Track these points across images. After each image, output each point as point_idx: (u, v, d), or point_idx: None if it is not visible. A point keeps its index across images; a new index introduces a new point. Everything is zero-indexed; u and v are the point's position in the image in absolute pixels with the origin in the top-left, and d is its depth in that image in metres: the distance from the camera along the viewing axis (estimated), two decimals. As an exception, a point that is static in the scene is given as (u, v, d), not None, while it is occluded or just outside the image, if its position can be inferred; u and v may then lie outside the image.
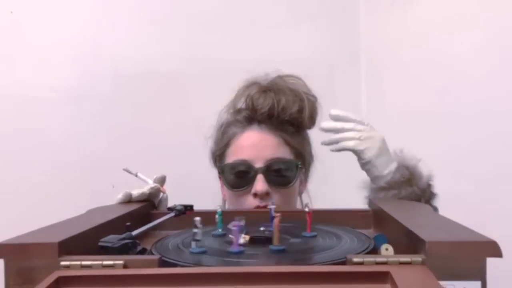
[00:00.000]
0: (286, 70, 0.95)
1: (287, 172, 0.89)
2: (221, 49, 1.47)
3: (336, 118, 0.83)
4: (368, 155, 0.80)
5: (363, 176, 0.84)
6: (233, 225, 0.50)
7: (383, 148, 0.81)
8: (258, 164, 0.87)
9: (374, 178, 0.81)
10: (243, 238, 0.53)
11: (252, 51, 1.46)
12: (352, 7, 1.58)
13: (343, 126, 0.82)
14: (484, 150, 1.12)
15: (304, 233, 0.58)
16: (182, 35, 1.46)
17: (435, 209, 0.78)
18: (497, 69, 1.10)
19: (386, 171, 0.80)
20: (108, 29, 1.42)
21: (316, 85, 0.95)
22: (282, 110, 0.90)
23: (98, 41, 1.41)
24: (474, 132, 1.15)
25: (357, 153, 0.81)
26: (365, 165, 0.81)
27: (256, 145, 0.89)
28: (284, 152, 0.90)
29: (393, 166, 0.80)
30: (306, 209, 0.59)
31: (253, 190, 0.86)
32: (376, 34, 1.53)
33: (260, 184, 0.85)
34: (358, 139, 0.80)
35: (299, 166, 0.91)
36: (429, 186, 0.79)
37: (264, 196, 0.86)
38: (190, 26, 1.47)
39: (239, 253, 0.50)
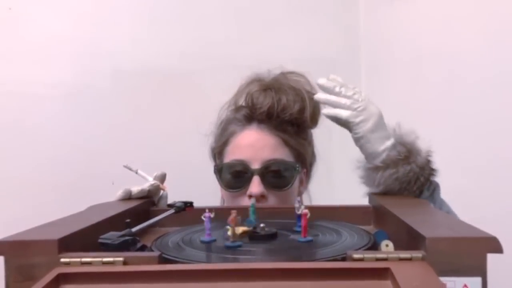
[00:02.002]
0: (286, 67, 0.94)
1: (285, 174, 0.86)
2: (221, 45, 1.46)
3: (327, 88, 0.75)
4: (363, 129, 0.72)
5: (359, 154, 0.77)
6: (204, 216, 0.54)
7: (380, 123, 0.73)
8: (255, 165, 0.85)
9: (368, 156, 0.74)
10: (236, 230, 0.52)
11: (252, 47, 1.45)
12: (352, 3, 1.58)
13: (341, 91, 0.73)
14: (485, 146, 1.12)
15: (299, 238, 0.54)
16: (181, 31, 1.46)
17: (436, 186, 0.74)
18: (498, 65, 1.10)
19: (381, 148, 0.73)
20: (107, 26, 1.42)
21: (316, 81, 0.94)
22: (282, 110, 0.88)
23: (97, 37, 1.41)
24: (474, 128, 1.15)
25: (350, 125, 0.73)
26: (359, 140, 0.74)
27: (254, 145, 0.87)
28: (283, 153, 0.88)
29: (389, 142, 0.73)
30: (299, 212, 0.55)
31: (248, 192, 0.84)
32: (376, 31, 1.53)
33: (255, 185, 0.84)
34: (355, 110, 0.72)
35: (297, 168, 0.88)
36: (428, 162, 0.74)
37: (259, 198, 0.83)
38: (190, 22, 1.47)
39: (209, 242, 0.53)
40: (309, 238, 0.53)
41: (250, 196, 0.84)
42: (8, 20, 1.35)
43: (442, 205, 0.74)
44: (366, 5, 1.56)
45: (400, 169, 0.71)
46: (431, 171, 0.74)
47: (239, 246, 0.51)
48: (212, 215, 0.54)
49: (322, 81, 0.75)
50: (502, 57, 1.09)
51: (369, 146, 0.73)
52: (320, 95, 0.76)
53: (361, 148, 0.75)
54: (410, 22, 1.40)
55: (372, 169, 0.73)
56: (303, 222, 0.53)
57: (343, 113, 0.72)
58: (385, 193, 0.72)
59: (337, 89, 0.74)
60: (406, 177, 0.71)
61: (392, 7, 1.46)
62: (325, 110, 0.75)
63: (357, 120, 0.72)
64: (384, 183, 0.72)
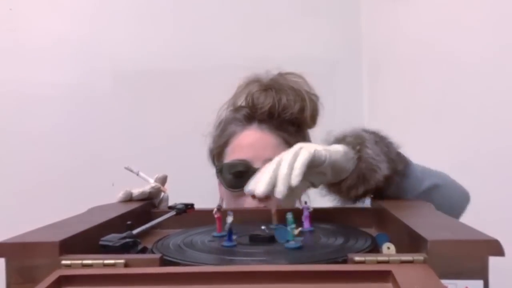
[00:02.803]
0: (286, 67, 0.94)
1: None
2: (222, 46, 1.47)
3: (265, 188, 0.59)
4: (323, 152, 0.62)
5: None
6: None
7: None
8: (258, 164, 0.84)
9: (340, 171, 0.66)
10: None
11: (253, 48, 1.46)
12: (353, 3, 1.58)
13: (273, 163, 0.60)
14: (486, 147, 1.12)
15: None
16: (181, 33, 1.46)
17: (406, 165, 0.70)
18: (500, 65, 1.10)
19: (343, 150, 0.66)
20: (108, 27, 1.42)
21: (317, 82, 0.94)
22: (283, 110, 0.88)
23: (97, 38, 1.41)
24: (476, 129, 1.15)
25: (315, 159, 0.60)
26: (329, 164, 0.63)
27: (255, 144, 0.87)
28: None
29: (336, 145, 0.67)
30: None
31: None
32: (378, 31, 1.53)
33: None
34: (300, 149, 0.60)
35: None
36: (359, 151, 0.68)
37: (263, 198, 0.83)
38: (190, 23, 1.47)
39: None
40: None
41: (254, 196, 0.84)
42: (8, 21, 1.36)
43: (417, 174, 0.72)
44: (367, 5, 1.56)
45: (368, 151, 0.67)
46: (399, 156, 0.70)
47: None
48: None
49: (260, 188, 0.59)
50: (504, 56, 1.09)
51: (339, 158, 0.65)
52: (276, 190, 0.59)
53: (333, 170, 0.65)
54: (411, 22, 1.40)
55: (364, 166, 0.67)
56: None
57: (304, 155, 0.59)
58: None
59: (273, 167, 0.60)
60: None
61: (393, 8, 1.46)
62: (293, 180, 0.58)
63: (313, 149, 0.61)
64: (381, 158, 0.68)
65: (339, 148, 0.66)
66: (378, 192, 0.70)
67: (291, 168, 0.58)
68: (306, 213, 0.61)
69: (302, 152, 0.59)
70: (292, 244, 0.51)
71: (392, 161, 0.69)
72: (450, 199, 0.71)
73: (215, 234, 0.58)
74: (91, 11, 1.41)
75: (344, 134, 0.70)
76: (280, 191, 0.57)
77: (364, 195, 0.70)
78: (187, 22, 1.47)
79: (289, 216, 0.52)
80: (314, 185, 0.67)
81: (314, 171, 0.62)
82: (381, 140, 0.71)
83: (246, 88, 0.93)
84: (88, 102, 1.40)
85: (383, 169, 0.68)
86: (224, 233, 0.55)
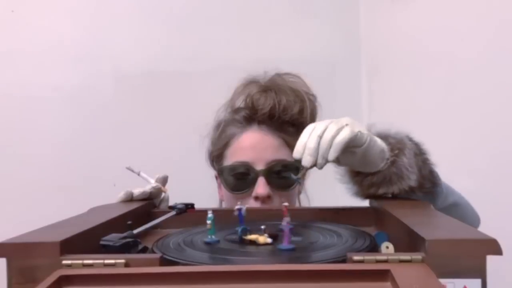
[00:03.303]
0: (286, 68, 0.94)
1: (289, 174, 0.85)
2: (222, 47, 1.47)
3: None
4: (366, 133, 0.64)
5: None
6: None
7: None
8: (259, 166, 0.85)
9: (370, 163, 0.68)
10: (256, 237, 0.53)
11: (253, 49, 1.46)
12: (352, 5, 1.58)
13: (317, 132, 0.63)
14: (486, 147, 1.12)
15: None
16: (182, 34, 1.46)
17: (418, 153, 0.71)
18: (499, 65, 1.10)
19: (382, 146, 0.67)
20: (109, 29, 1.42)
21: (316, 83, 0.94)
22: (283, 111, 0.87)
23: (99, 40, 1.42)
24: (475, 129, 1.15)
25: (355, 140, 0.63)
26: (364, 149, 0.65)
27: (256, 146, 0.87)
28: (285, 154, 0.87)
29: (378, 139, 0.67)
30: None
31: (254, 193, 0.84)
32: (377, 32, 1.53)
33: (261, 187, 0.83)
34: (345, 126, 0.62)
35: (301, 168, 0.88)
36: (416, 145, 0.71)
37: (266, 199, 0.84)
38: (191, 25, 1.47)
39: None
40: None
41: (257, 198, 0.84)
42: (10, 22, 1.36)
43: (447, 189, 0.75)
44: (366, 7, 1.57)
45: (403, 158, 0.69)
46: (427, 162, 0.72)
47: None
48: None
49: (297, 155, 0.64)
50: (503, 58, 1.10)
51: (376, 148, 0.67)
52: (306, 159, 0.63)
53: (366, 156, 0.66)
54: (410, 24, 1.40)
55: (389, 165, 0.68)
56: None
57: (345, 133, 0.62)
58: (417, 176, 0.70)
59: (315, 136, 0.63)
60: (411, 160, 0.69)
61: (392, 9, 1.46)
62: (330, 155, 0.62)
63: (358, 129, 0.63)
64: (413, 168, 0.69)
65: (380, 142, 0.68)
66: (395, 197, 0.72)
67: (330, 143, 0.61)
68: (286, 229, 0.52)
69: (345, 130, 0.62)
70: (285, 246, 0.51)
71: (423, 177, 0.71)
72: (465, 220, 0.72)
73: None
74: (93, 13, 1.42)
75: (388, 134, 0.72)
76: (320, 163, 0.62)
77: (380, 196, 0.72)
78: (187, 25, 1.47)
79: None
80: (339, 162, 0.68)
81: (348, 149, 0.64)
82: (420, 154, 0.72)
83: (245, 89, 0.92)
84: (90, 104, 1.41)
85: (411, 181, 0.69)
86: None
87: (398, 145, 0.70)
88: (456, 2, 1.24)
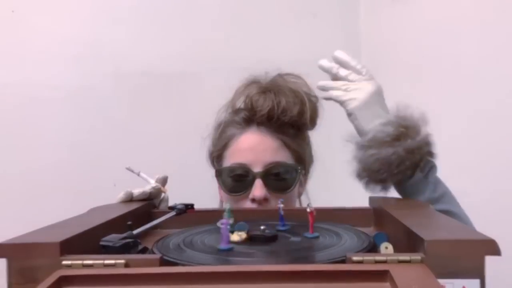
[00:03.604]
0: (286, 68, 0.94)
1: (287, 177, 0.86)
2: (222, 47, 1.47)
3: (337, 60, 0.80)
4: (350, 106, 0.77)
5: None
6: (221, 223, 0.52)
7: (371, 100, 0.76)
8: (257, 168, 0.85)
9: (359, 133, 0.78)
10: (239, 236, 0.54)
11: (252, 50, 1.46)
12: (352, 5, 1.58)
13: (338, 72, 0.80)
14: (485, 148, 1.12)
15: (306, 234, 0.57)
16: (182, 34, 1.46)
17: (432, 167, 0.75)
18: (499, 66, 1.10)
19: (369, 127, 0.75)
20: (109, 28, 1.42)
21: (316, 83, 0.94)
22: (282, 112, 0.87)
23: (98, 40, 1.42)
24: (474, 130, 1.15)
25: (340, 103, 0.78)
26: (349, 116, 0.78)
27: (254, 148, 0.87)
28: (283, 156, 0.87)
29: (378, 121, 0.75)
30: (308, 209, 0.57)
31: (251, 195, 0.84)
32: (377, 32, 1.53)
33: (258, 189, 0.83)
34: (345, 90, 0.77)
35: (299, 170, 0.88)
36: (422, 145, 0.74)
37: (262, 201, 0.83)
38: (191, 24, 1.47)
39: (228, 250, 0.51)
40: (316, 234, 0.57)
41: (253, 200, 0.84)
42: (10, 22, 1.36)
43: (436, 186, 0.75)
44: (366, 7, 1.57)
45: (383, 151, 0.72)
46: (426, 155, 0.74)
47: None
48: (230, 221, 0.54)
49: (322, 61, 0.82)
50: (504, 58, 1.09)
51: (357, 123, 0.77)
52: (319, 84, 0.82)
53: (353, 124, 0.79)
54: (410, 24, 1.40)
55: (357, 146, 0.75)
56: (310, 219, 0.57)
57: (333, 93, 0.79)
58: (365, 171, 0.74)
59: (334, 71, 0.80)
60: (387, 159, 0.72)
61: (393, 9, 1.46)
62: (323, 94, 0.82)
63: (345, 98, 0.77)
64: (364, 162, 0.74)
65: (374, 123, 0.75)
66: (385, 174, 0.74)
67: (329, 87, 0.80)
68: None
69: (337, 92, 0.79)
70: (310, 234, 0.56)
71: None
72: None
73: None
74: (93, 13, 1.42)
75: (400, 125, 0.74)
76: (319, 84, 0.83)
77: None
78: (187, 24, 1.47)
79: None
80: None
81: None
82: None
83: (245, 90, 0.92)
84: (89, 104, 1.41)
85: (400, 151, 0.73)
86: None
87: (389, 138, 0.73)
88: (456, 2, 1.24)
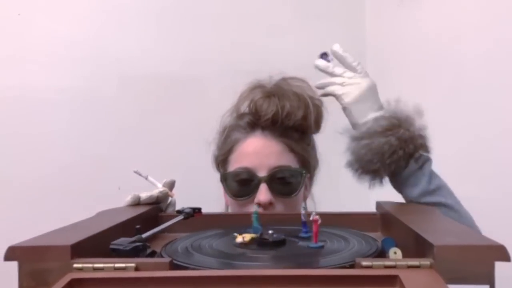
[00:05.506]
0: (290, 71, 0.94)
1: (292, 181, 0.86)
2: (226, 50, 1.47)
3: (335, 54, 0.84)
4: (345, 100, 0.80)
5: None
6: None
7: (365, 95, 0.80)
8: (262, 173, 0.85)
9: (353, 126, 0.81)
10: (242, 238, 0.54)
11: (257, 53, 1.46)
12: (358, 7, 1.58)
13: (333, 71, 0.84)
14: (491, 149, 1.12)
15: (310, 244, 0.55)
16: (186, 38, 1.47)
17: (427, 159, 0.76)
18: (504, 69, 1.10)
19: (363, 120, 0.79)
20: (114, 32, 1.43)
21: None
22: (287, 117, 0.87)
23: (104, 43, 1.43)
24: (479, 133, 1.15)
25: (336, 98, 0.82)
26: (344, 111, 0.82)
27: (259, 152, 0.87)
28: (288, 160, 0.87)
29: (373, 115, 0.78)
30: (311, 217, 0.55)
31: (256, 200, 0.84)
32: (382, 35, 1.54)
33: (263, 193, 0.83)
34: (341, 84, 0.81)
35: (304, 174, 0.88)
36: (416, 137, 0.76)
37: (267, 206, 0.83)
38: (195, 28, 1.48)
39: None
40: (320, 244, 0.54)
41: (259, 204, 0.84)
42: (17, 25, 1.37)
43: (431, 178, 0.76)
44: (372, 9, 1.57)
45: (375, 141, 0.74)
46: (420, 147, 0.76)
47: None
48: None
49: (318, 61, 0.86)
50: (509, 61, 1.09)
51: (351, 117, 0.80)
52: (317, 83, 0.86)
53: (348, 118, 0.82)
54: (416, 26, 1.41)
55: (351, 138, 0.77)
56: (314, 228, 0.54)
57: (329, 88, 0.83)
58: (357, 161, 0.75)
59: (330, 69, 0.84)
60: (379, 148, 0.74)
61: (398, 12, 1.46)
62: (320, 91, 0.85)
63: (340, 92, 0.81)
64: (356, 152, 0.75)
65: (368, 117, 0.78)
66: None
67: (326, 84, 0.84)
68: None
69: (333, 86, 0.83)
70: (314, 244, 0.54)
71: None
72: None
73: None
74: (99, 17, 1.43)
75: (392, 117, 0.77)
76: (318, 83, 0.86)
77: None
78: (191, 27, 1.48)
79: None
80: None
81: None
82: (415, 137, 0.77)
83: (250, 94, 0.92)
84: (93, 106, 1.41)
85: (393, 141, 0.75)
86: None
87: (382, 129, 0.75)
88: (462, 5, 1.24)
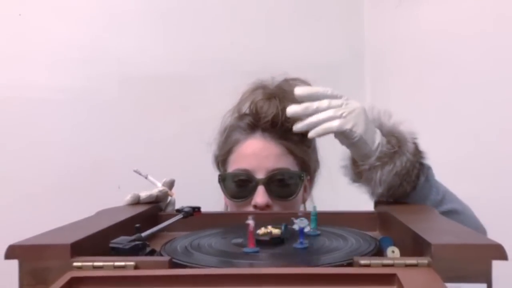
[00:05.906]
0: (290, 71, 0.94)
1: (290, 184, 0.86)
2: (226, 51, 1.48)
3: (299, 98, 0.68)
4: (358, 132, 0.67)
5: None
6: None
7: (368, 120, 0.70)
8: (260, 175, 0.84)
9: (363, 156, 0.71)
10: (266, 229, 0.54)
11: (257, 53, 1.47)
12: (356, 9, 1.59)
13: (318, 105, 0.67)
14: (488, 151, 1.13)
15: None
16: (187, 38, 1.47)
17: (429, 168, 0.73)
18: (503, 69, 1.11)
19: (375, 145, 0.70)
20: (115, 32, 1.43)
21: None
22: (287, 119, 0.85)
23: (104, 43, 1.43)
24: (478, 133, 1.15)
25: (345, 133, 0.67)
26: (353, 144, 0.69)
27: (258, 154, 0.86)
28: (287, 162, 0.87)
29: (379, 137, 0.70)
30: (248, 221, 0.52)
31: (253, 202, 0.84)
32: (381, 36, 1.54)
33: (260, 196, 0.83)
34: (340, 117, 0.66)
35: (302, 177, 0.87)
36: (416, 146, 0.72)
37: (264, 208, 0.83)
38: (196, 28, 1.48)
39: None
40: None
41: (255, 206, 0.84)
42: (17, 26, 1.37)
43: (438, 187, 0.74)
44: (370, 10, 1.57)
45: (397, 162, 0.69)
46: (421, 154, 0.73)
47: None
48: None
49: (290, 109, 0.69)
50: (508, 62, 1.10)
51: (365, 147, 0.69)
52: (298, 126, 0.69)
53: (356, 150, 0.71)
54: (414, 27, 1.41)
55: (369, 169, 0.70)
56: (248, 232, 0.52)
57: (333, 125, 0.67)
58: (389, 190, 0.70)
59: (310, 109, 0.67)
60: (404, 169, 0.69)
61: (397, 13, 1.47)
62: (312, 132, 0.68)
63: (349, 126, 0.67)
64: (385, 181, 0.69)
65: (375, 138, 0.70)
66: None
67: (319, 124, 0.67)
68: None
69: (335, 122, 0.67)
70: (299, 244, 0.53)
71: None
72: None
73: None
74: (98, 16, 1.43)
75: (392, 130, 0.72)
76: (298, 128, 0.69)
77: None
78: (192, 28, 1.48)
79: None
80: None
81: (338, 135, 0.70)
82: (415, 159, 0.72)
83: (251, 95, 0.92)
84: (94, 106, 1.41)
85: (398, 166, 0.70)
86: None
87: (396, 147, 0.70)
88: (460, 7, 1.24)
